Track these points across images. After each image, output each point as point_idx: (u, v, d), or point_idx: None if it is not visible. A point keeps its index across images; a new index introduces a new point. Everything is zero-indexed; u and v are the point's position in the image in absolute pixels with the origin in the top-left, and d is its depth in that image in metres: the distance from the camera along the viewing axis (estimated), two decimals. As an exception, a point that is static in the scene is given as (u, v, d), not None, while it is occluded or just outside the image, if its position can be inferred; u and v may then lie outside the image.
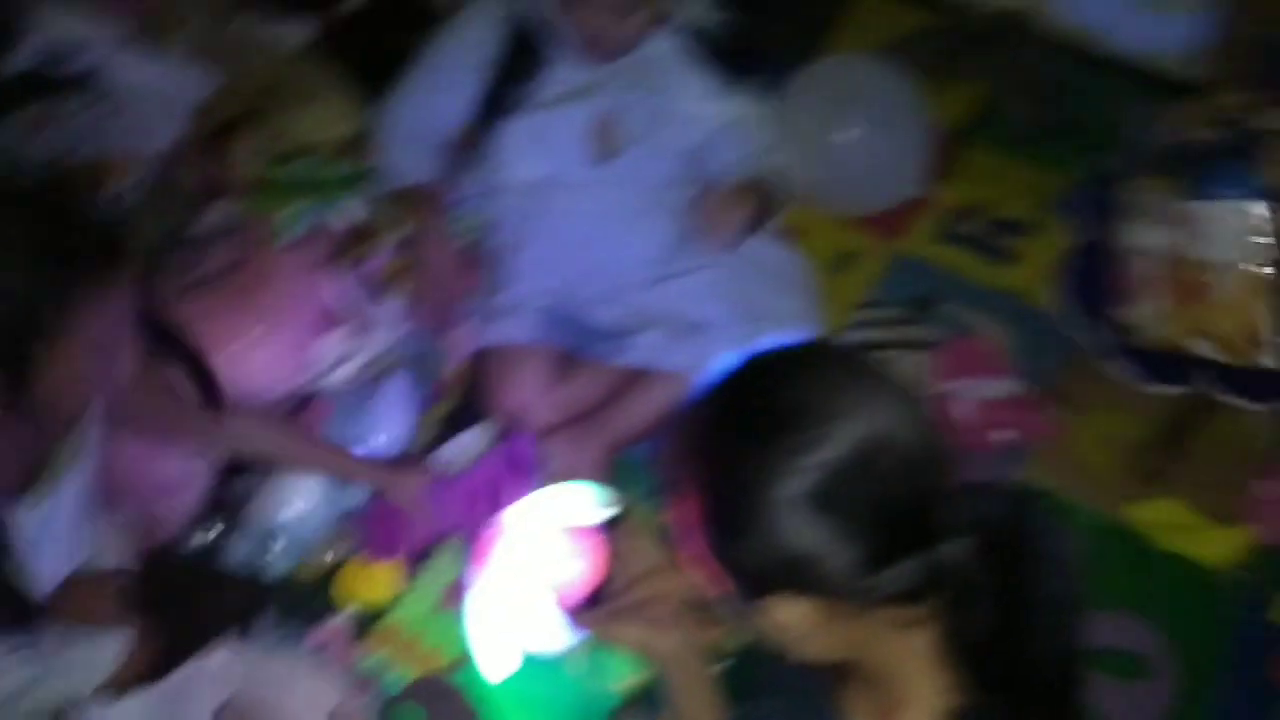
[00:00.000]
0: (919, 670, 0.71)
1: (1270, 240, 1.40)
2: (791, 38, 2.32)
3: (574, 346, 1.68)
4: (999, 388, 1.77)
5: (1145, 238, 1.49)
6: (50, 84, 1.75)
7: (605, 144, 1.55)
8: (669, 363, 1.61)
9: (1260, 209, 1.41)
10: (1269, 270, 1.41)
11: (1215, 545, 1.64)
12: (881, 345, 1.73)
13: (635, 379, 1.66)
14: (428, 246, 1.71)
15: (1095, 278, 1.59)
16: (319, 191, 1.77)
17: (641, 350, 1.64)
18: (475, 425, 1.67)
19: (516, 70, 1.57)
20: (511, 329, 1.65)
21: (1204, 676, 1.54)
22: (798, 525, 0.65)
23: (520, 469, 1.52)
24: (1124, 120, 1.70)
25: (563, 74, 1.55)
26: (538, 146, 1.58)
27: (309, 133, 1.93)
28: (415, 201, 1.73)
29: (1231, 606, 1.61)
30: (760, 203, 1.60)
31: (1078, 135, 2.12)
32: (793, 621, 0.69)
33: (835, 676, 0.78)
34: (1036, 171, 2.13)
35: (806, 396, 0.67)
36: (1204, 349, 1.47)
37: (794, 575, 0.66)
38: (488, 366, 1.68)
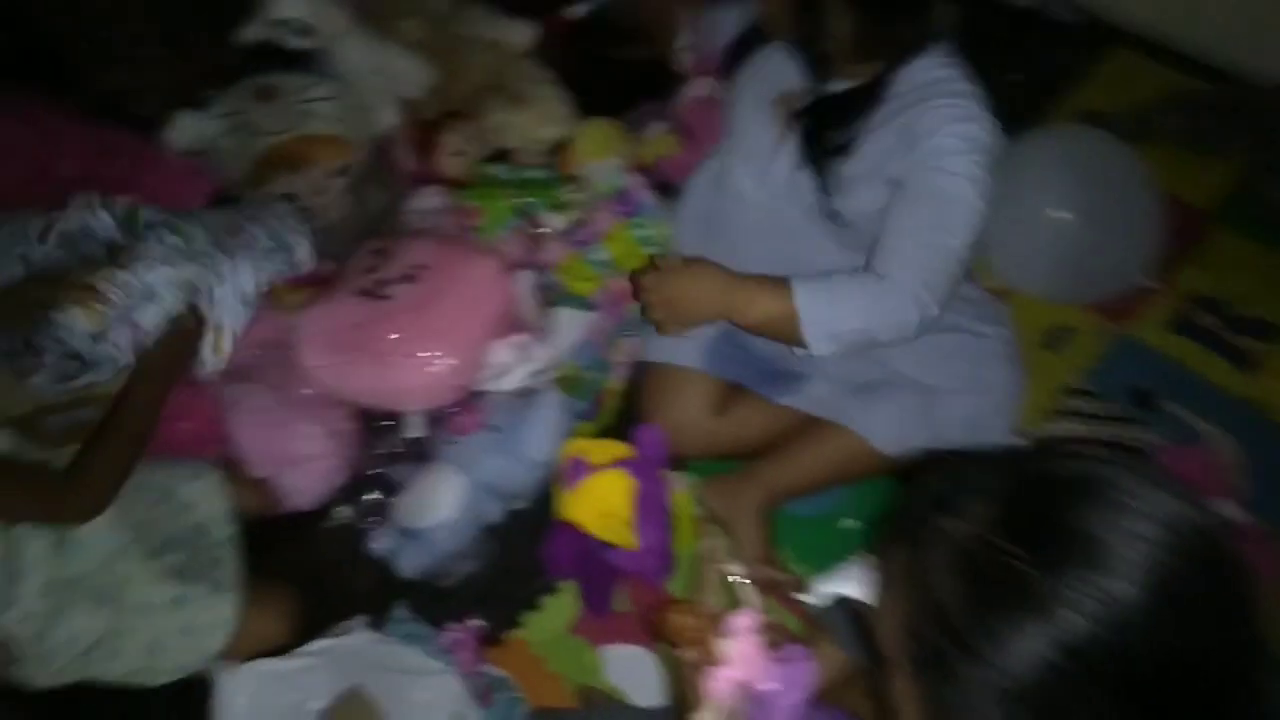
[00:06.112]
0: None
1: None
2: (1031, 90, 2.16)
3: (739, 379, 1.59)
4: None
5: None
6: (281, 57, 1.82)
7: (783, 111, 1.45)
8: (843, 416, 1.49)
9: None
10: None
11: None
12: (1088, 443, 1.54)
13: (802, 427, 1.54)
14: None
15: None
16: (523, 192, 1.77)
17: (812, 398, 1.53)
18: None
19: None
20: (677, 350, 1.57)
21: None
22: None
23: (650, 462, 1.45)
24: None
25: (770, 68, 1.48)
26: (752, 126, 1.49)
27: (519, 134, 1.94)
28: None
29: None
30: None
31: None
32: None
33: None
34: (1293, 267, 1.89)
35: (1099, 526, 0.59)
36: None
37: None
38: (648, 383, 1.62)
